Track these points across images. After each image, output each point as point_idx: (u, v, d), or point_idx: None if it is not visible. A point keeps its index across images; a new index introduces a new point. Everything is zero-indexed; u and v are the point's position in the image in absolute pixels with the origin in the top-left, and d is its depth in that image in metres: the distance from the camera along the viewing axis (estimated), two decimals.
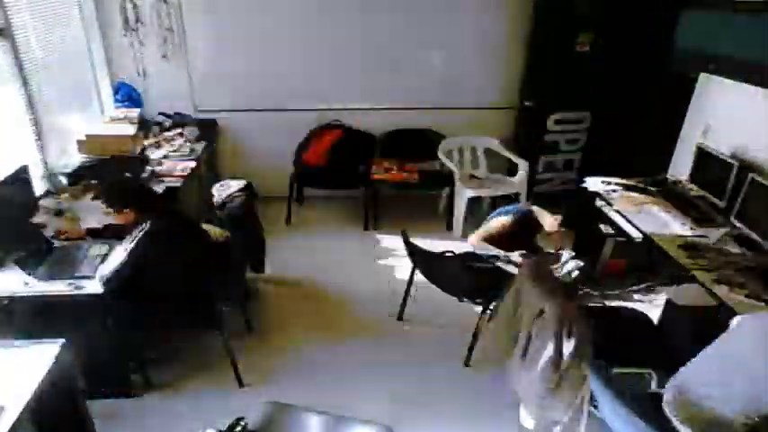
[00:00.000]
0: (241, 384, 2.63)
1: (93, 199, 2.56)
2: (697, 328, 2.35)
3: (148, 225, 2.34)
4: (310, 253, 3.87)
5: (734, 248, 2.59)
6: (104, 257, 2.42)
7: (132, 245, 2.32)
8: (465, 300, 2.86)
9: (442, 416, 2.48)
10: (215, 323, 2.51)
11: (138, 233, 2.34)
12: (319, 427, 1.85)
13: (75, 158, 3.33)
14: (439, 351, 2.87)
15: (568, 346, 1.92)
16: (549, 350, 1.95)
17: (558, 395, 2.03)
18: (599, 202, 3.32)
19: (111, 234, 2.60)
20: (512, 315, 2.28)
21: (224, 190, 3.11)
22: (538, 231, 2.90)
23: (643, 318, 2.59)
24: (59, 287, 2.24)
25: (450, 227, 4.20)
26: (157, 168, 3.43)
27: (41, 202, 2.90)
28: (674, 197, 3.15)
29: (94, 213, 2.85)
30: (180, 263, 2.43)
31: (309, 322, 3.13)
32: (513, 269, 2.64)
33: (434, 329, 3.07)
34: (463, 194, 4.02)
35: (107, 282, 2.26)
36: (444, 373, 2.73)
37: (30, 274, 2.27)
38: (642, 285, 3.29)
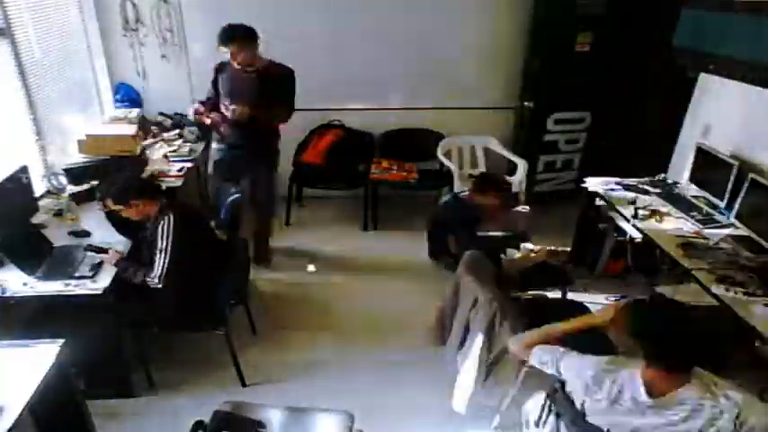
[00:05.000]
0: (244, 384, 2.63)
1: (99, 201, 2.52)
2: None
3: (171, 219, 2.29)
4: (310, 253, 3.86)
5: (734, 248, 2.59)
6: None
7: (168, 242, 2.28)
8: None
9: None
10: (220, 323, 2.50)
11: (164, 231, 2.29)
12: (279, 420, 1.86)
13: (76, 158, 3.32)
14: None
15: (500, 334, 1.97)
16: (481, 338, 2.00)
17: (493, 383, 2.14)
18: (599, 202, 3.32)
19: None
20: (447, 303, 2.41)
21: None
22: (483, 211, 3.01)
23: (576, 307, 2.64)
24: (59, 287, 2.24)
25: None
26: (157, 168, 3.43)
27: (41, 202, 2.90)
28: (673, 197, 3.15)
29: (95, 213, 2.86)
30: (192, 260, 2.39)
31: (311, 322, 3.13)
32: None
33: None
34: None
35: (160, 281, 2.28)
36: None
37: (29, 275, 2.27)
38: None
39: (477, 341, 2.07)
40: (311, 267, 3.69)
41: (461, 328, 2.24)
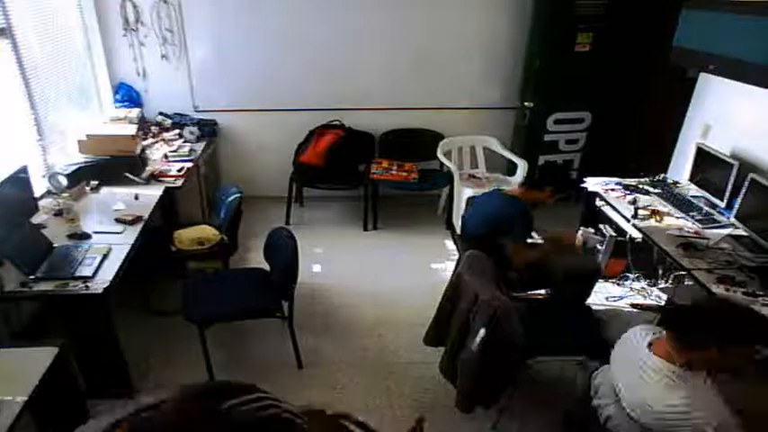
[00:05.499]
0: None
1: None
2: None
3: None
4: (310, 253, 3.86)
5: (734, 248, 2.59)
6: (104, 257, 2.42)
7: None
8: None
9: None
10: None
11: None
12: None
13: (76, 158, 3.32)
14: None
15: (501, 334, 2.00)
16: (481, 334, 2.00)
17: (491, 381, 2.13)
18: (599, 202, 3.32)
19: None
20: (445, 301, 2.40)
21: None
22: None
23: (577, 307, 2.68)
24: (59, 287, 2.23)
25: (449, 226, 4.20)
26: (157, 168, 3.43)
27: (41, 202, 2.91)
28: (673, 197, 3.15)
29: (94, 214, 2.87)
30: None
31: (310, 322, 3.12)
32: None
33: None
34: (462, 194, 4.02)
35: None
36: None
37: (29, 275, 2.27)
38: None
39: (477, 340, 2.07)
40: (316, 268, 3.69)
41: (461, 327, 2.24)
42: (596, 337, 2.45)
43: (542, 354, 2.32)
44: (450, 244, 4.05)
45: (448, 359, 2.35)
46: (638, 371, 1.61)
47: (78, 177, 3.13)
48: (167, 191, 3.23)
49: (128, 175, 3.24)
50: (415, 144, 4.47)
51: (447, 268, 3.69)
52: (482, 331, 2.02)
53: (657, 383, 1.55)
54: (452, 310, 2.35)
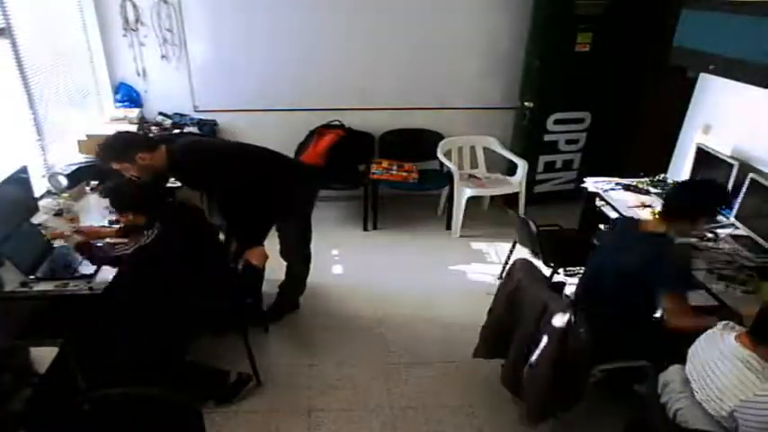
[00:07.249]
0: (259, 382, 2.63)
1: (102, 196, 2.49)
2: None
3: (156, 232, 2.26)
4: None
5: (734, 248, 2.59)
6: None
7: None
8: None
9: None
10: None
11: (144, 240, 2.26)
12: None
13: (76, 158, 3.32)
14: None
15: (572, 343, 1.95)
16: (553, 347, 1.97)
17: (565, 392, 2.06)
18: (599, 203, 3.32)
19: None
20: (502, 311, 2.32)
21: None
22: None
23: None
24: (59, 287, 2.23)
25: (449, 226, 4.20)
26: None
27: (41, 202, 2.90)
28: None
29: (94, 213, 2.86)
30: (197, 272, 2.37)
31: (309, 321, 3.13)
32: None
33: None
34: (462, 194, 4.03)
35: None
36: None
37: (29, 274, 2.27)
38: None
39: (551, 348, 1.98)
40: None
41: (527, 338, 2.13)
42: (657, 340, 2.17)
43: (604, 361, 2.17)
44: (448, 244, 4.04)
45: (511, 371, 2.24)
46: (723, 363, 1.64)
47: (78, 177, 3.13)
48: (167, 191, 3.22)
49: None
50: (415, 144, 4.47)
51: (447, 268, 3.70)
52: (554, 343, 1.96)
53: (745, 374, 1.58)
54: (511, 319, 2.25)
